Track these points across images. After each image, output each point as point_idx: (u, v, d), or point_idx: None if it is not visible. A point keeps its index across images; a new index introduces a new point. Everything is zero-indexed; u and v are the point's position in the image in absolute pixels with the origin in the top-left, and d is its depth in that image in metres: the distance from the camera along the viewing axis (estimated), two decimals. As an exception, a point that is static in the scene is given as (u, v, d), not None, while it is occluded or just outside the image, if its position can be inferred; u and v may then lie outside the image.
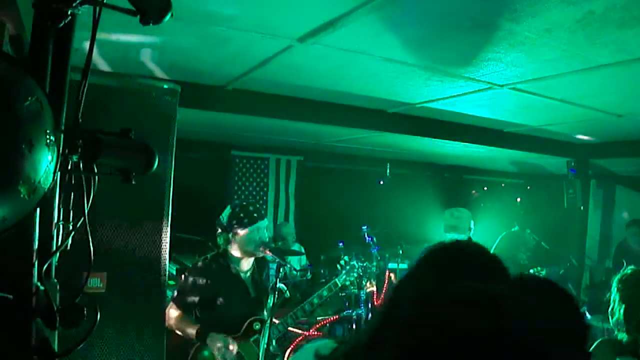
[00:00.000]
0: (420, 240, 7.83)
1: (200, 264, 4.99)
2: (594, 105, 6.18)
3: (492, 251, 5.19)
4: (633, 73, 4.75)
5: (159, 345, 3.61)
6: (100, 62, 5.04)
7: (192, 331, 4.64)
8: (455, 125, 7.79)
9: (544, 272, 8.79)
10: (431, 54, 4.62)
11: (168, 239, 3.57)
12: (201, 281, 4.79)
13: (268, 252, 4.82)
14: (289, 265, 4.86)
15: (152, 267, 3.50)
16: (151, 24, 1.85)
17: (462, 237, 6.68)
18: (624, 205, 12.28)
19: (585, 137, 8.78)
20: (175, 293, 4.89)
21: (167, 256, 3.58)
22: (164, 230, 3.53)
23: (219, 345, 4.50)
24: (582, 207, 10.02)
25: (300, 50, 4.57)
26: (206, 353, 4.64)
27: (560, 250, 10.38)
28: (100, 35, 4.12)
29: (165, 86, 3.54)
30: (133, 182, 1.91)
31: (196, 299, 4.78)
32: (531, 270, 7.55)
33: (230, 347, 4.51)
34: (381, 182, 12.21)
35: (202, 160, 10.72)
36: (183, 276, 4.98)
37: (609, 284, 3.75)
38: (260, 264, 5.10)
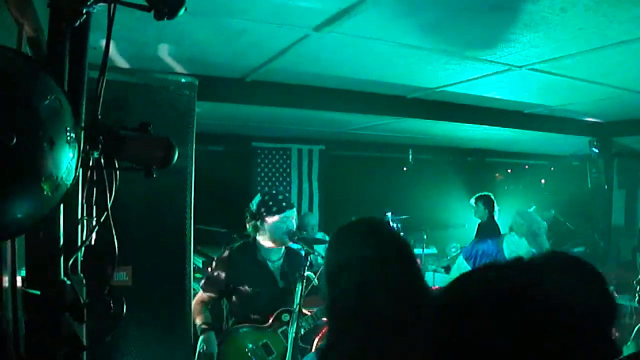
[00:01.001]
0: (445, 224, 7.81)
1: (227, 252, 5.05)
2: (614, 83, 6.12)
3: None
4: (652, 49, 4.71)
5: (187, 336, 3.65)
6: (118, 59, 5.09)
7: (199, 322, 4.68)
8: (475, 108, 7.75)
9: None
10: (447, 37, 4.60)
11: (192, 231, 3.60)
12: (228, 269, 4.85)
13: (295, 241, 4.84)
14: (316, 253, 4.87)
15: (177, 259, 3.53)
16: (165, 19, 1.87)
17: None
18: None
19: (606, 116, 8.72)
20: (204, 280, 5.00)
21: (191, 248, 3.61)
22: (187, 222, 3.56)
23: (203, 351, 4.54)
24: (606, 187, 9.95)
25: (316, 39, 4.58)
26: (250, 345, 4.68)
27: (586, 229, 10.34)
28: (117, 32, 4.16)
29: (183, 80, 3.56)
30: (154, 176, 1.94)
31: (223, 287, 4.85)
32: None
33: None
34: (405, 169, 12.20)
35: (224, 152, 10.78)
36: (212, 264, 5.04)
37: (636, 262, 3.73)
38: (290, 255, 5.12)
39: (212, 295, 4.87)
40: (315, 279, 4.69)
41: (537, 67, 5.40)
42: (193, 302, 4.72)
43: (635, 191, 12.46)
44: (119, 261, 2.03)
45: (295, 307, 4.17)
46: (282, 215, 4.84)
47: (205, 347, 4.52)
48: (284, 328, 4.74)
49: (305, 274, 4.31)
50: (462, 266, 6.33)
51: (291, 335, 4.12)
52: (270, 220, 4.85)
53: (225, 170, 10.00)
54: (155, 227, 3.43)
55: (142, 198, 3.24)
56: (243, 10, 3.99)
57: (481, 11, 3.92)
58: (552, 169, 14.30)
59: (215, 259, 5.11)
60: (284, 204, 4.91)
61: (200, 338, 4.57)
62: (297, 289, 4.23)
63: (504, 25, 4.20)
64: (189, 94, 3.51)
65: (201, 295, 4.88)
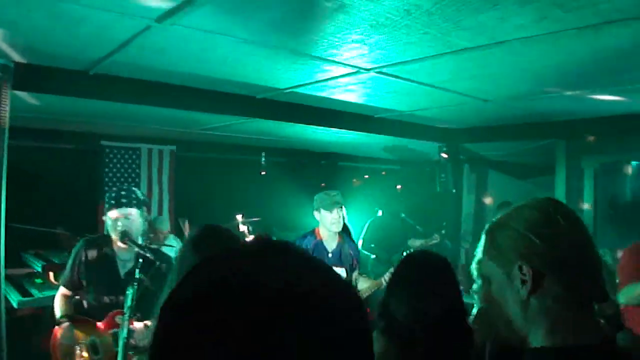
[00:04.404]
0: (294, 226, 7.83)
1: (81, 244, 4.95)
2: (460, 90, 6.28)
3: (362, 237, 5.66)
4: (494, 57, 4.82)
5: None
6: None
7: (57, 315, 4.68)
8: (324, 110, 7.79)
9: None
10: (293, 35, 4.51)
11: (3, 236, 3.39)
12: (79, 264, 4.81)
13: (125, 242, 4.69)
14: (149, 255, 4.70)
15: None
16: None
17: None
18: (496, 188, 12.70)
19: (454, 123, 8.98)
20: (63, 274, 4.95)
21: (2, 253, 3.41)
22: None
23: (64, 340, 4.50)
24: (454, 190, 10.27)
25: (159, 31, 4.38)
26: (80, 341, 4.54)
27: (435, 232, 10.64)
28: None
29: (-5, 61, 3.31)
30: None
31: (76, 281, 4.80)
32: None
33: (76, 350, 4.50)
34: (263, 173, 12.18)
35: (72, 151, 10.37)
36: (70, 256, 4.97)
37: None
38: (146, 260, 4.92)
39: (69, 289, 4.82)
40: (148, 281, 4.53)
41: (385, 70, 5.42)
42: (55, 297, 4.84)
43: (484, 196, 12.96)
44: None
45: (126, 310, 4.00)
46: (117, 210, 4.71)
47: (61, 339, 4.49)
48: (115, 330, 4.57)
49: (137, 277, 4.15)
50: None
51: (122, 340, 3.94)
52: (108, 214, 4.74)
53: (74, 170, 9.70)
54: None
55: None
56: (81, -4, 3.76)
57: (326, 9, 3.85)
58: (405, 174, 14.69)
59: (72, 252, 5.00)
60: (122, 200, 4.78)
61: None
62: (128, 291, 4.07)
63: (349, 25, 4.14)
64: (2, 77, 3.26)
65: (61, 289, 4.83)
